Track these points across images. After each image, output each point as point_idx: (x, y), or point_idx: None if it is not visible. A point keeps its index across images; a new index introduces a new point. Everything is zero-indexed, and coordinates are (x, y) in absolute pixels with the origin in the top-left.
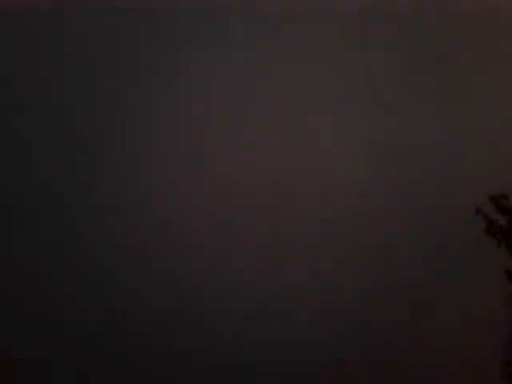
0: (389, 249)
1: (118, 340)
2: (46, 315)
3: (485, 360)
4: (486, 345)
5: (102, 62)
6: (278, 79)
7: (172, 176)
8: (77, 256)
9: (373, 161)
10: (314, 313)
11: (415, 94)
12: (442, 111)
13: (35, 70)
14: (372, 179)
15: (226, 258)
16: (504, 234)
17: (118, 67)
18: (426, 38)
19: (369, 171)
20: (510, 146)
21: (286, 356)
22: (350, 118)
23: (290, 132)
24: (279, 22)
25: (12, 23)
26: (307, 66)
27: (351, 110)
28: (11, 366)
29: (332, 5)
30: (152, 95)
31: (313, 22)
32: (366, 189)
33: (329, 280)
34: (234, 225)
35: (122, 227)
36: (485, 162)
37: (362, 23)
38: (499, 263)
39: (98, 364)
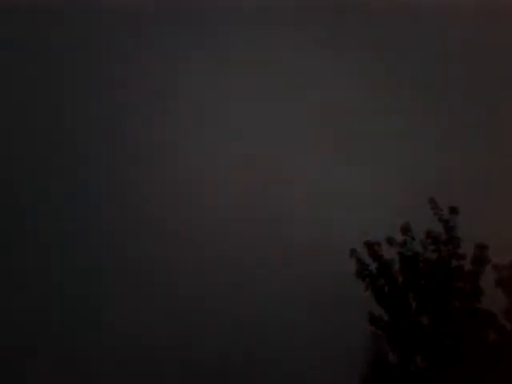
0: None
1: (117, 341)
2: (45, 314)
3: None
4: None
5: (102, 62)
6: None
7: (172, 176)
8: (76, 255)
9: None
10: (314, 311)
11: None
12: None
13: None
14: None
15: (226, 258)
16: (372, 279)
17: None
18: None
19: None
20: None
21: (286, 356)
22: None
23: (289, 132)
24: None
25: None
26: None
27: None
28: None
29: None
30: (151, 94)
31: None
32: None
33: (329, 280)
34: (235, 224)
35: (121, 227)
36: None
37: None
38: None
39: (97, 363)
